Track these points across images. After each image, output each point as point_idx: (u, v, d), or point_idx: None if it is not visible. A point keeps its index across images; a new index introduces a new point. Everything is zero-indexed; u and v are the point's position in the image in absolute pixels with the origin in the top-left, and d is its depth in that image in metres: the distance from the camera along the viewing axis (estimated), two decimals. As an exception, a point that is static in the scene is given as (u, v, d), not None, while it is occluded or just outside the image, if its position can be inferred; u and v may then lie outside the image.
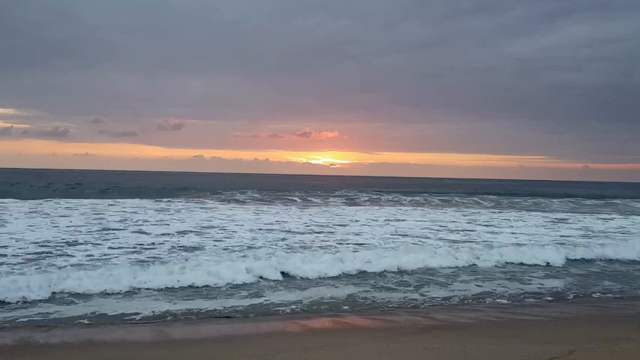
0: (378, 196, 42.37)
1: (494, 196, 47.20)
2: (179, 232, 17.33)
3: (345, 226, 21.30)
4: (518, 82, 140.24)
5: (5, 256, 12.17)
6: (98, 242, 14.69)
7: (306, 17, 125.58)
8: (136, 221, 20.28)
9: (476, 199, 42.52)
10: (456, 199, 42.69)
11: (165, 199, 34.11)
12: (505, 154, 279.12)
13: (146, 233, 16.89)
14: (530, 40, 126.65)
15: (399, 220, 24.35)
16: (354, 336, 7.12)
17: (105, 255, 12.77)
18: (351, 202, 37.78)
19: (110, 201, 31.28)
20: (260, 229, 18.79)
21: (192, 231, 17.79)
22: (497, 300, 9.88)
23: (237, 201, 34.95)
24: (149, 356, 6.20)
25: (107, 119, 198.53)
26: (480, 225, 23.08)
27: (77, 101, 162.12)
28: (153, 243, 14.86)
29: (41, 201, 28.58)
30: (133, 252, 13.33)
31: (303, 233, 18.30)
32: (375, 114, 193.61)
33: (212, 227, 19.14)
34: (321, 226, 20.82)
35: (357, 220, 23.37)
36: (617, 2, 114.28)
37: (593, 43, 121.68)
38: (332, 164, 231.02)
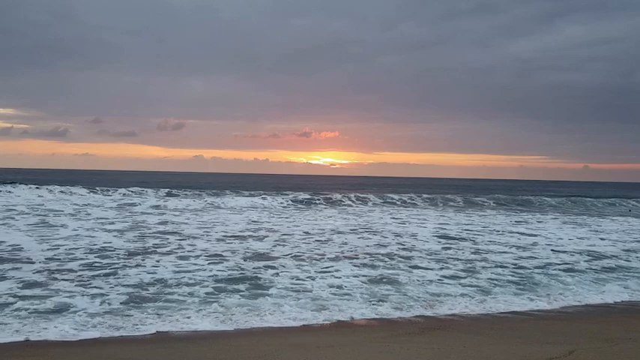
0: (385, 196, 41.99)
1: (500, 196, 46.82)
2: (235, 236, 16.85)
3: (386, 224, 22.02)
4: (517, 82, 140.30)
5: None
6: (163, 250, 13.78)
7: (305, 17, 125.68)
8: (176, 223, 20.28)
9: (484, 199, 42.00)
10: (464, 199, 41.92)
11: (179, 198, 34.40)
12: (505, 154, 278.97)
13: (198, 237, 16.33)
14: (529, 41, 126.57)
15: (420, 220, 24.71)
16: (354, 336, 7.12)
17: (187, 269, 11.34)
18: (364, 202, 37.52)
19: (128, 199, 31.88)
20: (308, 233, 18.44)
21: (248, 235, 17.28)
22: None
23: (251, 201, 34.38)
24: (149, 356, 6.16)
25: (107, 119, 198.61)
26: (513, 225, 22.99)
27: (77, 101, 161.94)
28: (229, 251, 13.86)
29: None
30: (215, 261, 12.25)
31: (350, 233, 18.44)
32: (376, 114, 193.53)
33: (259, 229, 18.96)
34: (366, 228, 20.66)
35: (386, 223, 23.16)
36: (615, 2, 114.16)
37: (592, 43, 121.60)
38: (332, 164, 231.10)
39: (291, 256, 13.31)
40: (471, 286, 10.59)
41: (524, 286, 10.78)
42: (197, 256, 12.90)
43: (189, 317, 7.86)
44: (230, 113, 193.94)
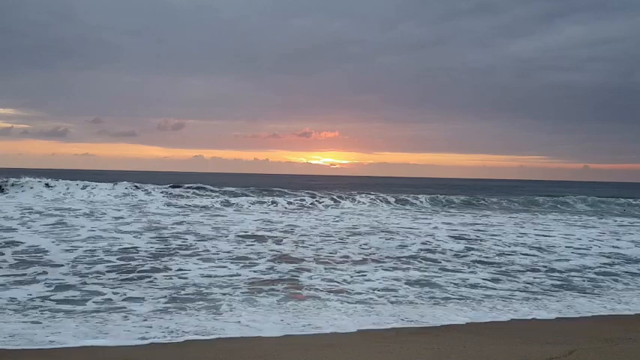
0: (388, 195, 41.76)
1: (503, 196, 46.23)
2: (252, 237, 16.80)
3: (396, 224, 22.18)
4: (517, 82, 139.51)
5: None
6: (186, 252, 13.62)
7: (305, 17, 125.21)
8: (191, 223, 20.37)
9: (486, 199, 40.86)
10: (467, 199, 40.74)
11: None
12: (505, 154, 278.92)
13: (216, 238, 16.12)
14: (529, 41, 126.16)
15: (428, 220, 24.93)
16: (353, 336, 7.22)
17: (218, 273, 11.06)
18: (369, 202, 36.79)
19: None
20: (324, 233, 18.40)
21: (265, 236, 17.24)
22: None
23: (258, 200, 33.97)
24: (149, 356, 6.20)
25: (107, 119, 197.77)
26: (522, 226, 22.99)
27: (77, 101, 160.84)
28: (252, 253, 13.71)
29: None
30: (245, 264, 12.11)
31: (366, 234, 18.52)
32: (376, 114, 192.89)
33: (273, 229, 19.01)
34: (379, 228, 20.66)
35: (396, 223, 23.22)
36: (615, 2, 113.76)
37: (592, 43, 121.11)
38: (332, 164, 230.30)
39: (318, 259, 13.32)
40: (521, 290, 10.46)
41: (580, 290, 10.66)
42: (222, 259, 12.90)
43: (238, 322, 7.74)
44: (230, 113, 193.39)
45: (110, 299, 8.98)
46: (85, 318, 7.80)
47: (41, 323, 7.51)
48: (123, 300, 8.93)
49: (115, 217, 21.68)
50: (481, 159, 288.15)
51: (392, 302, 9.27)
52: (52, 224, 18.78)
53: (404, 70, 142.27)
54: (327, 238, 17.26)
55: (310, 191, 42.77)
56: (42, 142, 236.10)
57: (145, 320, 7.73)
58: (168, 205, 28.25)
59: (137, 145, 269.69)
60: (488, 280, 11.38)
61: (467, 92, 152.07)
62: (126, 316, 7.92)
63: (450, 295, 9.85)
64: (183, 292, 9.58)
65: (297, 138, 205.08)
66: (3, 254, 12.71)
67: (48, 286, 9.70)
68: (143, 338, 6.92)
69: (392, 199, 37.26)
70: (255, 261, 12.81)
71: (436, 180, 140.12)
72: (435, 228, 21.40)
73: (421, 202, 37.39)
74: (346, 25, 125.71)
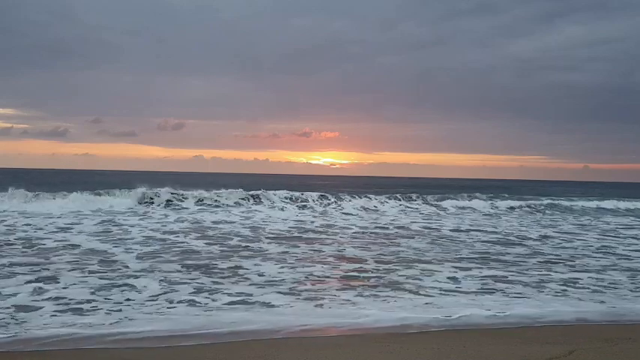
0: (395, 195, 41.72)
1: (506, 195, 46.00)
2: (294, 238, 16.69)
3: (414, 224, 22.36)
4: (517, 82, 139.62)
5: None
6: (246, 253, 13.60)
7: (305, 17, 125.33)
8: (229, 222, 20.59)
9: (488, 198, 41.01)
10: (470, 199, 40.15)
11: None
12: (505, 154, 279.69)
13: (260, 240, 16.07)
14: (529, 41, 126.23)
15: (444, 220, 24.91)
16: (354, 336, 7.20)
17: (303, 271, 11.15)
18: (378, 201, 36.65)
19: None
20: (362, 233, 18.38)
21: (306, 237, 17.04)
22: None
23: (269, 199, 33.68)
24: (148, 357, 6.19)
25: (107, 119, 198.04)
26: (546, 226, 22.69)
27: (77, 101, 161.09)
28: (312, 254, 13.54)
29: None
30: (319, 262, 12.16)
31: (406, 237, 17.99)
32: (376, 114, 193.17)
33: (307, 230, 18.96)
34: (405, 228, 20.68)
35: (411, 222, 23.22)
36: (615, 2, 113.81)
37: (592, 43, 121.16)
38: (332, 164, 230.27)
39: (384, 259, 13.05)
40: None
41: None
42: (288, 259, 12.72)
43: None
44: (230, 113, 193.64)
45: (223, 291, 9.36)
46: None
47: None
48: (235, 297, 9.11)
49: (160, 216, 22.14)
50: (481, 159, 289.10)
51: (532, 300, 9.30)
52: (100, 222, 19.27)
53: (404, 70, 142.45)
54: (373, 240, 17.07)
55: (314, 191, 43.13)
56: (42, 142, 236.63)
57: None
58: (201, 206, 28.34)
59: (137, 145, 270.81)
60: (595, 277, 11.34)
61: (467, 92, 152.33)
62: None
63: (567, 292, 9.90)
64: (284, 287, 9.79)
65: (297, 138, 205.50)
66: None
67: (160, 283, 9.94)
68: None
69: (397, 199, 37.46)
70: (325, 260, 12.75)
71: (436, 180, 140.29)
72: (459, 230, 21.02)
73: (427, 202, 37.54)
74: (346, 25, 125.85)
